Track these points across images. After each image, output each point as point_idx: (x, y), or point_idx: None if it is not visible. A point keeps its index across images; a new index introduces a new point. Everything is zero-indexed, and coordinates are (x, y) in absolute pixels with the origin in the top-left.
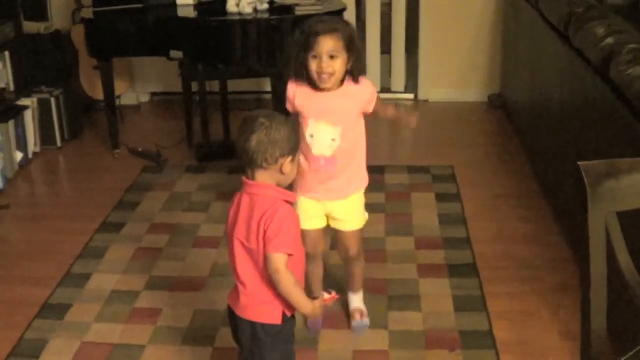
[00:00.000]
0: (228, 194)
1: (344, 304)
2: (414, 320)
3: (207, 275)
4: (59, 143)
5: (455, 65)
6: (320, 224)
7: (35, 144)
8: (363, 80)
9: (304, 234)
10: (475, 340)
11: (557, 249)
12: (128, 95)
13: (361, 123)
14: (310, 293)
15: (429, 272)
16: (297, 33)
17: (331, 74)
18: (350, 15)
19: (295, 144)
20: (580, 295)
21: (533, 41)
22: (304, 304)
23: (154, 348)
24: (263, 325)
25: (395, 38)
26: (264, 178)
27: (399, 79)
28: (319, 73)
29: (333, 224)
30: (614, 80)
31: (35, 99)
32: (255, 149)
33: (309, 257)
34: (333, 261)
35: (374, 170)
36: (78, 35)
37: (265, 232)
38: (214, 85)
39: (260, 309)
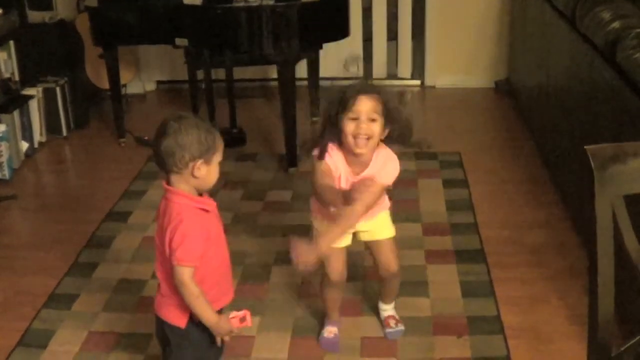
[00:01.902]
0: (235, 182)
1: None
2: (422, 306)
3: None
4: (64, 132)
5: (462, 51)
6: (345, 241)
7: (41, 134)
8: (392, 154)
9: (329, 258)
10: (483, 326)
11: (565, 234)
12: (134, 84)
13: None
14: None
15: (437, 258)
16: (326, 104)
17: (369, 138)
18: (356, 2)
19: (208, 147)
20: (588, 279)
21: (540, 26)
22: (208, 317)
23: None
24: (170, 325)
25: (401, 24)
26: (179, 183)
27: (405, 65)
28: (356, 135)
29: (366, 237)
30: (620, 65)
31: (40, 89)
32: (165, 153)
33: (332, 282)
34: None
35: None
36: (83, 24)
37: (170, 242)
38: (219, 73)
39: (169, 309)
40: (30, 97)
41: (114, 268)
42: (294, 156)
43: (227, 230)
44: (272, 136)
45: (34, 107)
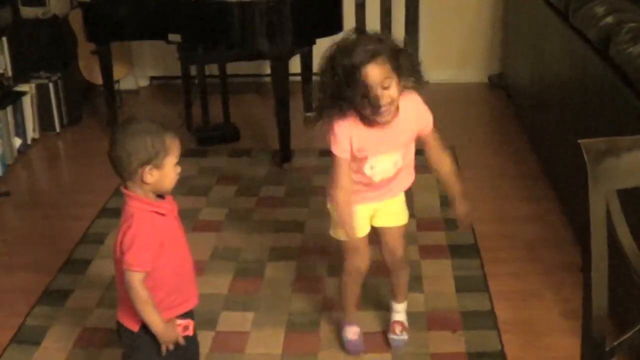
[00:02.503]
0: (228, 178)
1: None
2: (416, 301)
3: (207, 259)
4: (58, 129)
5: (456, 46)
6: (366, 229)
7: (34, 130)
8: (416, 96)
9: (348, 244)
10: (477, 321)
11: (559, 229)
12: (127, 79)
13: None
14: (344, 316)
15: (431, 253)
16: (329, 71)
17: (390, 104)
18: None
19: (157, 151)
20: (582, 274)
21: (533, 21)
22: (155, 324)
23: None
24: (123, 328)
25: (395, 20)
26: (134, 187)
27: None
28: (377, 108)
29: (379, 223)
30: (614, 59)
31: (33, 85)
32: (112, 160)
33: (352, 270)
34: None
35: None
36: (76, 19)
37: (120, 245)
38: (213, 69)
39: (124, 312)
40: (23, 93)
41: (107, 264)
42: (288, 152)
43: (221, 225)
44: (265, 132)
45: (27, 103)
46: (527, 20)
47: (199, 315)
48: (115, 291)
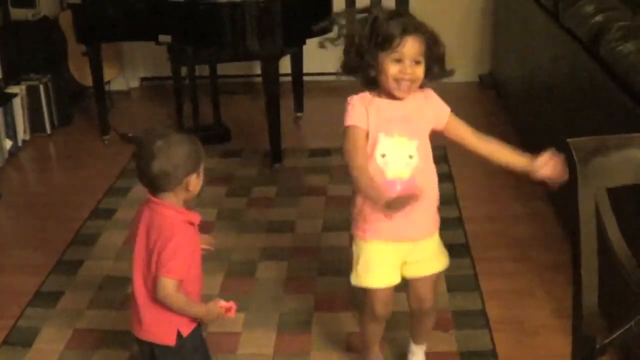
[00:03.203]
0: (219, 178)
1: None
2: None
3: None
4: (48, 130)
5: (446, 46)
6: (395, 279)
7: (24, 132)
8: (432, 92)
9: (372, 293)
10: (468, 320)
11: (550, 228)
12: (118, 81)
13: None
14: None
15: None
16: (367, 32)
17: (413, 82)
18: None
19: (197, 158)
20: (572, 272)
21: (523, 20)
22: (201, 313)
23: None
24: (160, 347)
25: None
26: (169, 198)
27: None
28: (400, 80)
29: (410, 273)
30: (603, 58)
31: (24, 87)
32: (158, 174)
33: (376, 318)
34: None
35: None
36: (66, 21)
37: (159, 255)
38: (203, 70)
39: (156, 328)
40: (14, 95)
41: (99, 265)
42: (279, 152)
43: (212, 226)
44: (256, 132)
45: (18, 105)
46: (517, 19)
47: None
48: (107, 292)
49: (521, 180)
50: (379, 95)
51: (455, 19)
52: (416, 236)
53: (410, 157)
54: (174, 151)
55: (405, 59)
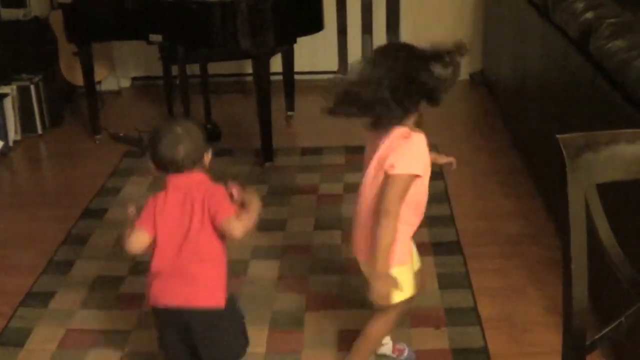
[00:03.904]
0: (211, 178)
1: None
2: None
3: None
4: (40, 130)
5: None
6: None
7: (16, 132)
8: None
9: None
10: (460, 317)
11: (541, 225)
12: (109, 80)
13: None
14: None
15: None
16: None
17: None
18: None
19: (205, 137)
20: (562, 268)
21: (514, 18)
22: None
23: (140, 333)
24: (209, 313)
25: (376, 17)
26: (197, 169)
27: None
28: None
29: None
30: (593, 55)
31: (15, 87)
32: (185, 156)
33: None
34: None
35: (356, 150)
36: (57, 21)
37: (216, 206)
38: (194, 69)
39: (206, 292)
40: (5, 95)
41: (90, 265)
42: (270, 151)
43: None
44: (247, 131)
45: (9, 105)
46: (507, 17)
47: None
48: (99, 292)
49: (512, 178)
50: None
51: (446, 17)
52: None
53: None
54: (194, 135)
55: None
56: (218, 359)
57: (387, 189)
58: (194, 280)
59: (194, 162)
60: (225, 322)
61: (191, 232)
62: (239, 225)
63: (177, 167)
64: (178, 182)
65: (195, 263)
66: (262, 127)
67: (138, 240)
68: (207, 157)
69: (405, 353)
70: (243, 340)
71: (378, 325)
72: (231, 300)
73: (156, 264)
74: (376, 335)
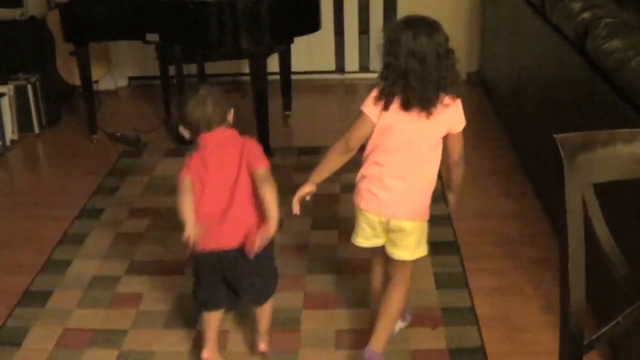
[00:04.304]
0: None
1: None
2: None
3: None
4: (36, 130)
5: None
6: (372, 241)
7: (12, 132)
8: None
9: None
10: (457, 317)
11: (538, 225)
12: (106, 80)
13: None
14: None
15: None
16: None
17: None
18: None
19: (226, 98)
20: (559, 268)
21: (511, 18)
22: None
23: (136, 332)
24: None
25: (373, 18)
26: (224, 126)
27: (377, 58)
28: None
29: (387, 245)
30: (590, 55)
31: (12, 86)
32: (213, 113)
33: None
34: None
35: None
36: (54, 20)
37: (253, 158)
38: (191, 68)
39: (254, 236)
40: (2, 95)
41: (87, 265)
42: (267, 150)
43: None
44: (244, 131)
45: (5, 104)
46: (504, 17)
47: (179, 315)
48: (96, 291)
49: (509, 178)
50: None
51: (442, 17)
52: (390, 214)
53: (412, 165)
54: (216, 95)
55: None
56: (256, 294)
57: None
58: (242, 224)
59: (222, 119)
60: (265, 261)
61: (237, 181)
62: (271, 181)
63: (207, 124)
64: (212, 139)
65: (241, 209)
66: (259, 127)
67: (186, 187)
68: (230, 115)
69: (408, 318)
70: (275, 281)
71: (401, 291)
72: (270, 243)
73: (205, 213)
74: (402, 300)
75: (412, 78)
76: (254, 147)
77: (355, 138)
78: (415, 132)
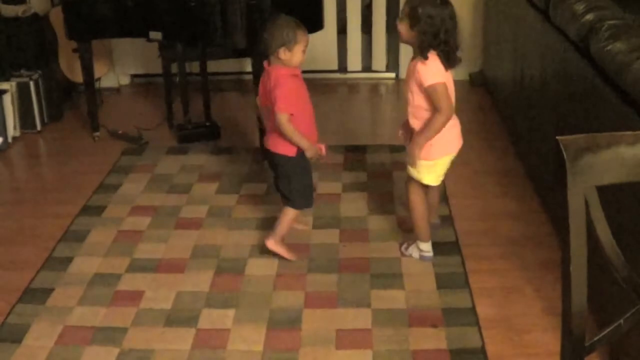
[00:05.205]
0: (210, 176)
1: None
2: (397, 298)
3: (189, 257)
4: (39, 127)
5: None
6: None
7: (15, 128)
8: (427, 62)
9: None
10: (458, 318)
11: (539, 226)
12: (108, 77)
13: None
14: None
15: None
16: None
17: (400, 33)
18: None
19: (289, 40)
20: (561, 270)
21: (514, 18)
22: (304, 144)
23: (136, 330)
24: (279, 155)
25: (376, 17)
26: (275, 61)
27: (380, 58)
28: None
29: None
30: (594, 57)
31: (14, 83)
32: (263, 43)
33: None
34: None
35: (356, 149)
36: (57, 17)
37: (273, 97)
38: (194, 67)
39: (278, 144)
40: (4, 91)
41: (88, 262)
42: None
43: (202, 223)
44: (246, 129)
45: (8, 101)
46: (507, 17)
47: (179, 313)
48: (97, 288)
49: (511, 178)
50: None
51: None
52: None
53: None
54: (274, 28)
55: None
56: (285, 192)
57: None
58: (272, 134)
59: (268, 49)
60: (291, 169)
61: (269, 105)
62: (283, 122)
63: (265, 52)
64: (266, 67)
65: (272, 124)
66: (261, 125)
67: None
68: (281, 51)
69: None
70: (302, 198)
71: (413, 195)
72: (303, 157)
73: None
74: (419, 203)
75: (452, 40)
76: (278, 89)
77: (450, 105)
78: (451, 84)
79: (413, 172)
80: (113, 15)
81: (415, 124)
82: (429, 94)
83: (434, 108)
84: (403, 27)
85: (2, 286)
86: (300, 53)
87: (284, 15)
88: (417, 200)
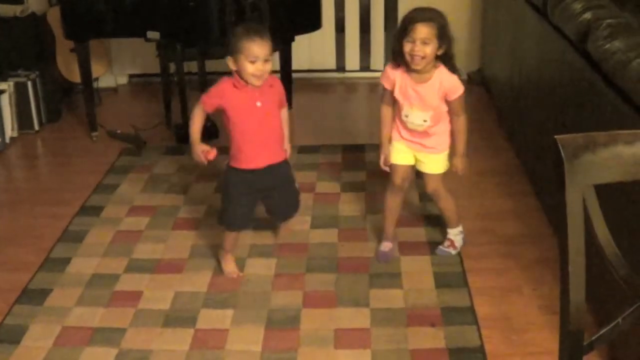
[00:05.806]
0: (207, 175)
1: None
2: (396, 297)
3: (187, 257)
4: (36, 127)
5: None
6: (409, 160)
7: (12, 129)
8: (450, 73)
9: (394, 167)
10: (456, 317)
11: (538, 225)
12: (106, 77)
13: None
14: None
15: (410, 249)
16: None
17: (422, 58)
18: None
19: (232, 47)
20: (559, 269)
21: (512, 17)
22: (191, 138)
23: (135, 331)
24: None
25: (374, 16)
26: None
27: (378, 57)
28: (412, 55)
29: (420, 167)
30: (591, 56)
31: (12, 83)
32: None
33: (393, 187)
34: None
35: (355, 149)
36: (54, 17)
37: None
38: (192, 66)
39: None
40: (2, 91)
41: (87, 262)
42: None
43: (200, 223)
44: None
45: (5, 101)
46: (505, 16)
47: (178, 313)
48: (95, 289)
49: (509, 177)
50: (407, 74)
51: None
52: (422, 152)
53: (425, 121)
54: (233, 35)
55: (416, 40)
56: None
57: None
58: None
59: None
60: (223, 179)
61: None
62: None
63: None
64: None
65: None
66: None
67: None
68: (232, 64)
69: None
70: (224, 216)
71: (444, 190)
72: (236, 174)
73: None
74: (450, 199)
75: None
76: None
77: None
78: None
79: (441, 167)
80: (111, 15)
81: (429, 127)
82: (455, 100)
83: (454, 113)
84: (430, 49)
85: (0, 287)
86: (247, 65)
87: (248, 23)
88: (447, 192)
